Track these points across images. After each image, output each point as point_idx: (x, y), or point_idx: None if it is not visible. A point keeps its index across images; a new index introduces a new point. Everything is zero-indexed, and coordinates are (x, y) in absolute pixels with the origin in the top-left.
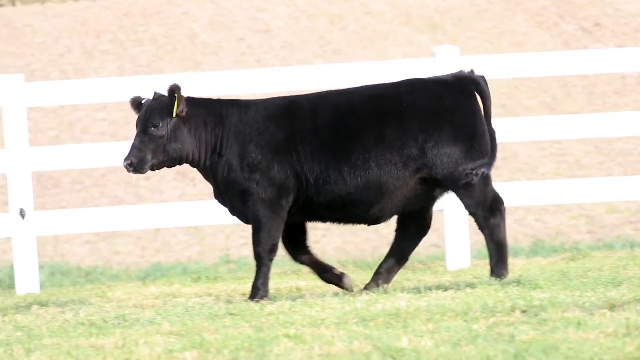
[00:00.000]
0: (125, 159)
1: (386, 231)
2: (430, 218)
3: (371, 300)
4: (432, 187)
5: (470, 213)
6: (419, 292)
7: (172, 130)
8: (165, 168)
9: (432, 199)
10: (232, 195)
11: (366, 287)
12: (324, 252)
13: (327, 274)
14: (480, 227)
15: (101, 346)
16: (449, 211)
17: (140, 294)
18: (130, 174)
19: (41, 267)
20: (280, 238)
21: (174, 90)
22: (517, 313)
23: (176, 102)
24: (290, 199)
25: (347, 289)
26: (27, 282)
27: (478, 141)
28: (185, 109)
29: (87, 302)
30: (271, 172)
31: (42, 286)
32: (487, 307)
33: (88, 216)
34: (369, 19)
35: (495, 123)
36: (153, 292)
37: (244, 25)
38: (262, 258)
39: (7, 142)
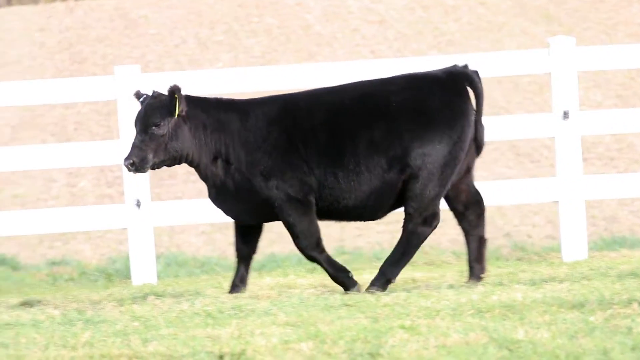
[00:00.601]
0: (126, 158)
1: (501, 222)
2: (478, 193)
3: (487, 292)
4: None
5: (407, 214)
6: (535, 283)
7: (173, 129)
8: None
9: None
10: (248, 201)
11: (469, 282)
12: (439, 243)
13: (238, 279)
14: (404, 228)
15: (217, 336)
16: (565, 203)
17: (256, 284)
18: (131, 173)
19: (157, 258)
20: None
21: (175, 91)
22: (635, 305)
23: (177, 103)
24: (314, 195)
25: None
26: (144, 273)
27: (458, 146)
28: (185, 109)
29: (203, 293)
30: (285, 175)
31: (158, 276)
32: (603, 299)
33: (204, 207)
34: (483, 9)
35: (611, 114)
36: (268, 283)
37: (359, 16)
38: (315, 256)
39: (122, 133)
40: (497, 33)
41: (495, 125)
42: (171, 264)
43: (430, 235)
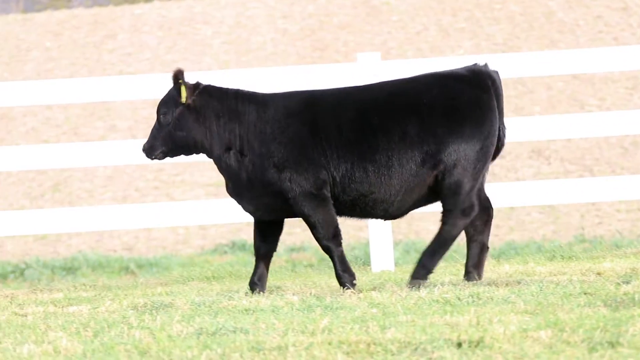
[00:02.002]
0: (144, 145)
1: None
2: (488, 200)
3: None
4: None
5: (446, 210)
6: None
7: (176, 119)
8: (184, 156)
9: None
10: (262, 194)
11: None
12: None
13: (257, 277)
14: (443, 222)
15: (455, 324)
16: None
17: (494, 272)
18: (148, 159)
19: (396, 245)
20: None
21: (177, 76)
22: None
23: (182, 89)
24: (328, 188)
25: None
26: (382, 260)
27: (489, 141)
28: (192, 97)
29: (442, 280)
30: (300, 167)
31: (396, 263)
32: None
33: None
34: None
35: None
36: (507, 270)
37: (602, 3)
38: (330, 247)
39: None
40: None
41: None
42: (409, 251)
43: None
